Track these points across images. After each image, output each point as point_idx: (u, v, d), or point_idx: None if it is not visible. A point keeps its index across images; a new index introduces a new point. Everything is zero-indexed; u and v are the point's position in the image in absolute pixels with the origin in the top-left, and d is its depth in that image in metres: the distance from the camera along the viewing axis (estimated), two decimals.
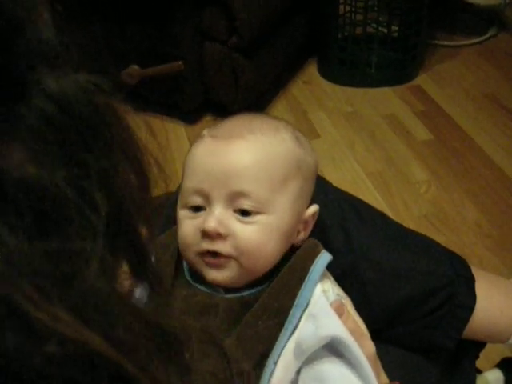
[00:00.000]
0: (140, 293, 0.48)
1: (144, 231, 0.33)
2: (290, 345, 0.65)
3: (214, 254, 0.68)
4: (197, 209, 0.70)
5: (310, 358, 0.64)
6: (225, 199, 0.68)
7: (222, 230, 0.67)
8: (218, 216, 0.68)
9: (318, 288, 0.69)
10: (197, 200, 0.70)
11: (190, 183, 0.71)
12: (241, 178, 0.68)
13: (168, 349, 0.34)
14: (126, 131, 0.33)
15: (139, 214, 0.32)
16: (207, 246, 0.68)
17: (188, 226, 0.70)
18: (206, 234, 0.68)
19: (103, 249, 0.29)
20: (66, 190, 0.28)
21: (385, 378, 0.70)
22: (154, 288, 0.35)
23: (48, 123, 0.28)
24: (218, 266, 0.68)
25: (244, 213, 0.68)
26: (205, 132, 0.74)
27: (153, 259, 0.35)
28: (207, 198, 0.69)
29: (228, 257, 0.68)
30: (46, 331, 0.25)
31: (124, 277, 0.33)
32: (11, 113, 0.27)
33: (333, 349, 0.64)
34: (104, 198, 0.29)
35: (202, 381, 0.56)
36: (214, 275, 0.69)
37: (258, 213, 0.68)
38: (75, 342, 0.26)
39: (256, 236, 0.68)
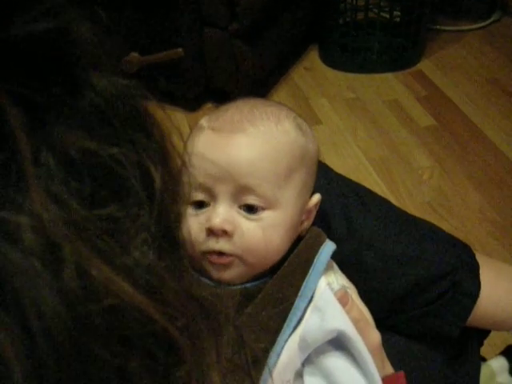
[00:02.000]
0: None
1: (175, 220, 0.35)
2: (295, 337, 0.64)
3: (220, 252, 0.67)
4: (200, 205, 0.68)
5: (315, 351, 0.63)
6: (230, 195, 0.66)
7: (227, 228, 0.65)
8: (224, 213, 0.66)
9: (323, 280, 0.67)
10: (199, 195, 0.68)
11: (191, 177, 0.69)
12: (246, 172, 0.66)
13: (204, 319, 0.37)
14: (161, 133, 0.35)
15: (172, 202, 0.35)
16: (212, 245, 0.66)
17: (192, 223, 0.68)
18: (212, 232, 0.66)
19: (152, 221, 0.31)
20: (123, 162, 0.30)
21: (389, 368, 0.69)
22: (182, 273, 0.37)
23: (100, 113, 0.30)
24: (223, 266, 0.67)
25: (250, 209, 0.67)
26: (203, 122, 0.72)
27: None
28: (211, 193, 0.67)
29: (233, 256, 0.66)
30: (103, 290, 0.27)
31: None
32: (70, 103, 0.29)
33: (338, 343, 0.63)
34: (158, 172, 0.32)
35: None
36: (220, 274, 0.68)
37: (263, 209, 0.67)
38: (127, 303, 0.28)
39: (263, 233, 0.67)
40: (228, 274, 0.67)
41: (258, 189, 0.66)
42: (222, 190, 0.66)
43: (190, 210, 0.69)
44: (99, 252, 0.28)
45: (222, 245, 0.66)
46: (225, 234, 0.66)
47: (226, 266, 0.67)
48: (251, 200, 0.66)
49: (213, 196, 0.67)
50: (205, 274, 0.69)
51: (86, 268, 0.27)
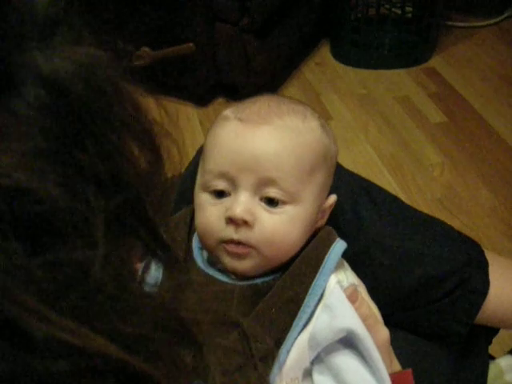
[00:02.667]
0: (154, 273, 0.46)
1: (155, 210, 0.31)
2: (304, 335, 0.64)
3: (238, 242, 0.66)
4: (220, 194, 0.68)
5: (324, 349, 0.63)
6: (252, 186, 0.66)
7: (248, 218, 0.65)
8: (245, 203, 0.66)
9: (333, 278, 0.67)
10: (220, 184, 0.68)
11: (213, 165, 0.68)
12: (270, 165, 0.66)
13: (180, 334, 0.33)
14: (131, 106, 0.30)
15: (149, 193, 0.30)
16: (231, 234, 0.66)
17: (211, 212, 0.68)
18: (232, 221, 0.66)
19: (107, 246, 0.27)
20: (59, 197, 0.25)
21: (397, 365, 0.68)
22: (168, 268, 0.34)
23: (40, 114, 0.25)
24: (239, 256, 0.67)
25: (270, 202, 0.66)
26: (229, 113, 0.71)
27: (166, 238, 0.33)
28: (233, 182, 0.67)
29: (250, 247, 0.66)
30: (51, 344, 0.24)
31: (135, 260, 0.32)
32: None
33: (347, 341, 0.63)
34: (101, 200, 0.27)
35: (219, 356, 0.56)
36: (235, 265, 0.67)
37: (284, 203, 0.67)
38: (81, 349, 0.25)
39: (282, 227, 0.67)
40: (242, 265, 0.67)
41: (281, 182, 0.66)
42: (245, 181, 0.66)
43: (210, 199, 0.69)
44: (41, 300, 0.24)
45: (240, 235, 0.66)
46: (245, 224, 0.65)
47: (242, 257, 0.67)
48: (273, 193, 0.66)
49: (234, 186, 0.67)
50: (219, 264, 0.69)
51: (27, 323, 0.23)
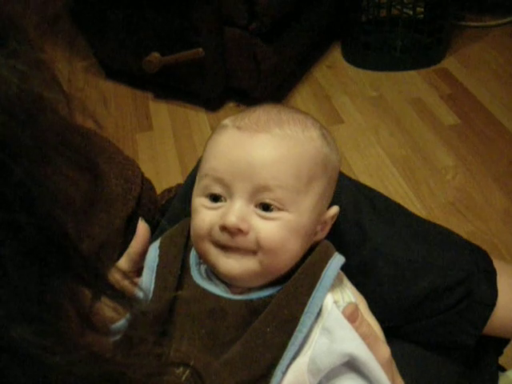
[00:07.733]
0: None
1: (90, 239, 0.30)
2: (303, 359, 0.62)
3: (236, 248, 0.65)
4: (215, 198, 0.67)
5: (328, 375, 0.61)
6: (247, 193, 0.65)
7: (243, 226, 0.64)
8: (240, 211, 0.65)
9: (329, 299, 0.65)
10: (217, 188, 0.67)
11: (210, 171, 0.68)
12: (267, 173, 0.65)
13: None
14: (62, 128, 0.29)
15: (84, 219, 0.30)
16: (227, 241, 0.65)
17: (206, 216, 0.67)
18: (226, 229, 0.65)
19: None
20: None
21: (400, 382, 0.66)
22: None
23: None
24: (235, 252, 0.65)
25: (265, 208, 0.65)
26: (228, 122, 0.71)
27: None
28: (228, 188, 0.66)
29: (248, 251, 0.65)
30: None
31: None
32: None
33: (350, 365, 0.61)
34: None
35: None
36: (230, 266, 0.66)
37: (279, 209, 0.65)
38: None
39: (277, 233, 0.65)
40: (239, 267, 0.65)
41: (277, 190, 0.65)
42: (241, 188, 0.65)
43: (205, 202, 0.68)
44: None
45: (237, 241, 0.65)
46: (239, 232, 0.64)
47: (238, 257, 0.65)
48: (268, 199, 0.65)
49: (230, 193, 0.66)
50: (209, 277, 0.68)
51: None
